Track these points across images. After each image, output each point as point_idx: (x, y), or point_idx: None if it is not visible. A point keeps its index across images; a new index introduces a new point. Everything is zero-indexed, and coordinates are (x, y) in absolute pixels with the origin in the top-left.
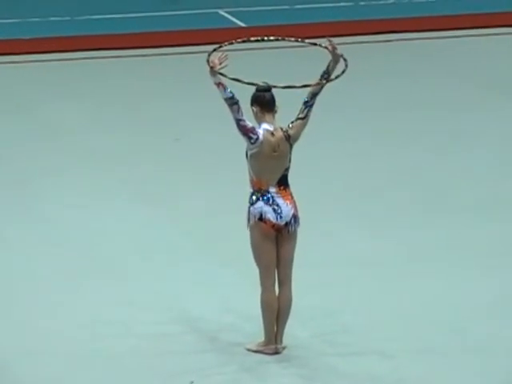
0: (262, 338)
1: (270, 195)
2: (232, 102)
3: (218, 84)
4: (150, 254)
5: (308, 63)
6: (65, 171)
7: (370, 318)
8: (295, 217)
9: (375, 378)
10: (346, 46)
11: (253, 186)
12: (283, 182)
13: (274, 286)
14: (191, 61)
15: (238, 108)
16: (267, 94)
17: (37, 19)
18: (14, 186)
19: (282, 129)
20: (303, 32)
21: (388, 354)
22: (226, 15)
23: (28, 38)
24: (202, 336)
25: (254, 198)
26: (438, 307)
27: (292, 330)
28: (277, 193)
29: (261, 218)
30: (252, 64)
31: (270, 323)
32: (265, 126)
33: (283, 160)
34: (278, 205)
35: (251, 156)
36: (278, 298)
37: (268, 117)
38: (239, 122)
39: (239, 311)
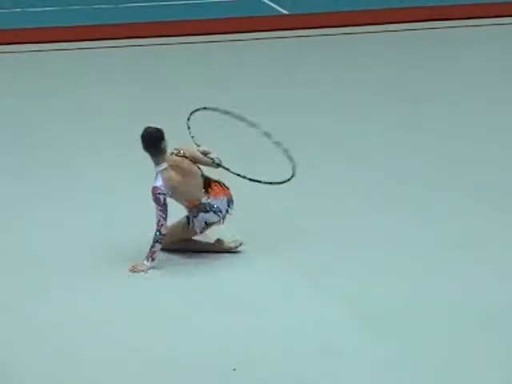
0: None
1: (205, 205)
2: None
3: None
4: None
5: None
6: (104, 150)
7: (386, 305)
8: (230, 200)
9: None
10: (395, 33)
11: (190, 208)
12: (208, 184)
13: None
14: (231, 48)
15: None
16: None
17: (78, 7)
18: (55, 165)
19: (173, 154)
20: (346, 20)
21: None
22: (268, 2)
23: (71, 25)
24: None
25: (195, 212)
26: (468, 298)
27: None
28: (208, 198)
29: (206, 223)
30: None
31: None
32: (161, 167)
33: (194, 173)
34: (214, 206)
35: (173, 193)
36: None
37: (161, 157)
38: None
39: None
